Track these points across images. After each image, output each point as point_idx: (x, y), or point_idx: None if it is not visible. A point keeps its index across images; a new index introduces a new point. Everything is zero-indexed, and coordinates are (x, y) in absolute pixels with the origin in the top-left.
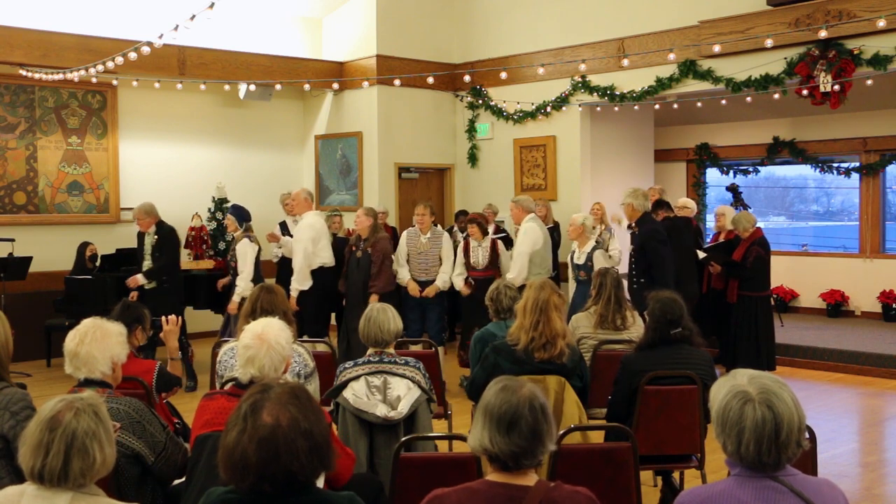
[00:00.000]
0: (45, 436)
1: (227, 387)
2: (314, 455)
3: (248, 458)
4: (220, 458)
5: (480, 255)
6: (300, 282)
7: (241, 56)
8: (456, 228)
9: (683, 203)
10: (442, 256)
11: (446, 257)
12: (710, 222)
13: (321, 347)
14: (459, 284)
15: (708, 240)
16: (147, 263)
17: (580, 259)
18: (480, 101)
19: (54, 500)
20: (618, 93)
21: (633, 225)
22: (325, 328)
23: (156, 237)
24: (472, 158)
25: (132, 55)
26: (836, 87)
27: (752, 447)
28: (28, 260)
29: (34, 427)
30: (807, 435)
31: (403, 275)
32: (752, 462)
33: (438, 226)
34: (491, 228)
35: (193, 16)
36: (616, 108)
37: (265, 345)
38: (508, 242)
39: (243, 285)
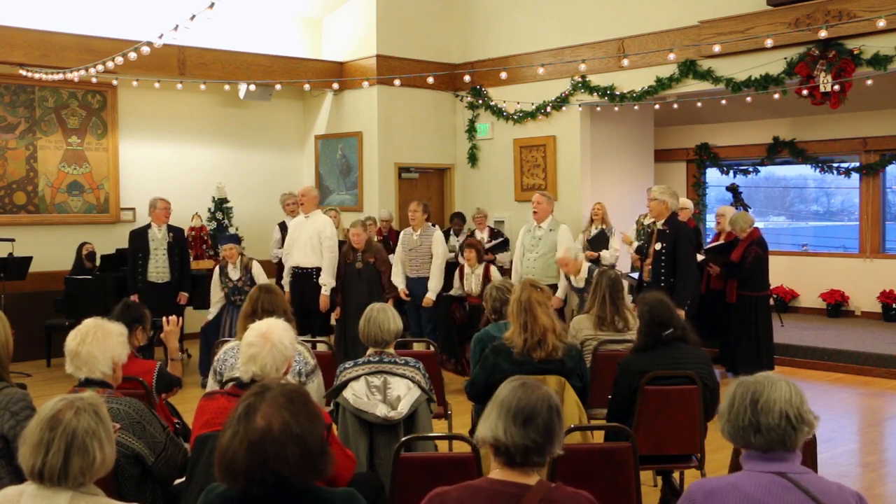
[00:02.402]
0: (46, 434)
1: (228, 387)
2: (305, 461)
3: (237, 460)
4: (215, 459)
5: (474, 283)
6: (333, 275)
7: (241, 56)
8: (452, 232)
9: (682, 203)
10: (433, 252)
11: (436, 254)
12: (711, 223)
13: (320, 347)
14: (434, 287)
15: (709, 240)
16: (161, 261)
17: (579, 284)
18: (480, 101)
19: (54, 499)
20: (618, 93)
21: (663, 224)
22: (328, 328)
23: (171, 235)
24: (472, 158)
25: (132, 55)
26: (836, 87)
27: (749, 412)
28: (28, 260)
29: (34, 426)
30: (812, 417)
31: (399, 283)
32: (749, 427)
33: (436, 226)
34: (485, 234)
35: (193, 16)
36: (616, 108)
37: (269, 343)
38: (505, 247)
39: None
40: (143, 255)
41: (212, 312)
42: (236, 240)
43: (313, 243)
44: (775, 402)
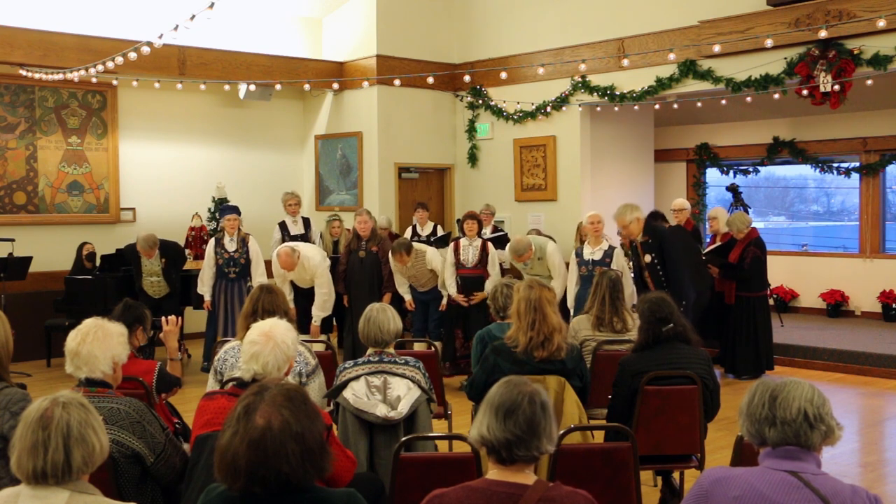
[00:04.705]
0: (40, 435)
1: (228, 387)
2: (306, 459)
3: (238, 459)
4: (215, 459)
5: (471, 254)
6: (327, 310)
7: (241, 56)
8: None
9: (679, 205)
10: (432, 269)
11: (437, 269)
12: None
13: (317, 347)
14: (453, 292)
15: (706, 241)
16: (156, 282)
17: (595, 255)
18: (480, 101)
19: (51, 499)
20: (618, 93)
21: (644, 236)
22: (329, 326)
23: (163, 260)
24: (472, 158)
25: (132, 55)
26: (836, 87)
27: (767, 406)
28: (28, 260)
29: (24, 430)
30: (835, 423)
31: (405, 293)
32: (765, 420)
33: (428, 240)
34: (489, 229)
35: (193, 16)
36: (616, 108)
37: (271, 342)
38: (504, 242)
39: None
40: (137, 274)
41: (206, 293)
42: (238, 211)
43: (312, 281)
44: (794, 399)
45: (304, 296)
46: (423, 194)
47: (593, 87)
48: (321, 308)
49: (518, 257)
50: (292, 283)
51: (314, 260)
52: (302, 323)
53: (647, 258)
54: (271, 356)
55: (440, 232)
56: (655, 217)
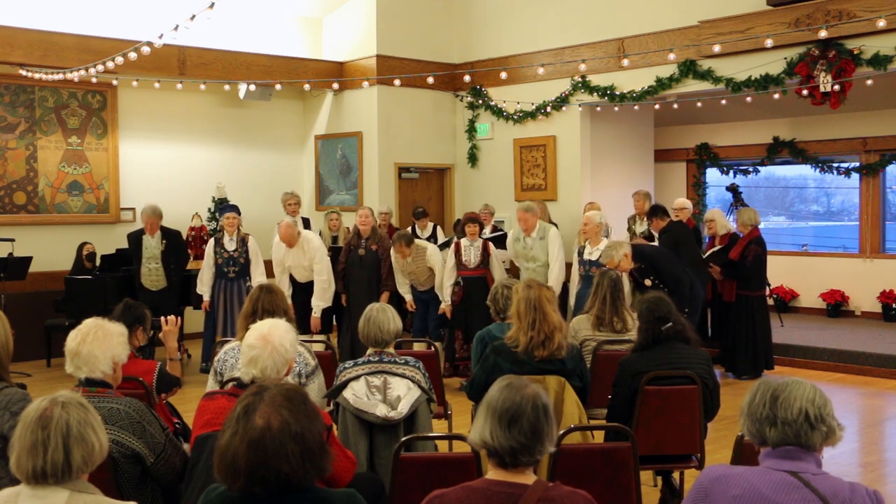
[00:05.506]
0: (39, 434)
1: (228, 387)
2: (305, 459)
3: (238, 460)
4: (214, 459)
5: (472, 255)
6: (328, 300)
7: (241, 56)
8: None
9: (681, 204)
10: (431, 268)
11: (437, 269)
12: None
13: (317, 346)
14: (447, 298)
15: (704, 243)
16: (154, 271)
17: (593, 256)
18: (480, 101)
19: (51, 498)
20: (618, 93)
21: (635, 263)
22: (329, 326)
23: (164, 242)
24: (472, 158)
25: (132, 55)
26: (836, 87)
27: (768, 406)
28: (28, 260)
29: (23, 430)
30: (836, 424)
31: (406, 294)
32: (766, 420)
33: (431, 240)
34: (488, 229)
35: (193, 16)
36: (616, 108)
37: (269, 346)
38: (504, 241)
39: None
40: (137, 260)
41: (205, 293)
42: (237, 210)
43: (310, 270)
44: (796, 399)
45: (304, 290)
46: (423, 194)
47: (593, 87)
48: (321, 297)
49: (524, 212)
50: (291, 279)
51: (314, 242)
52: (302, 319)
53: (648, 282)
54: (269, 360)
55: (440, 233)
56: (656, 211)
